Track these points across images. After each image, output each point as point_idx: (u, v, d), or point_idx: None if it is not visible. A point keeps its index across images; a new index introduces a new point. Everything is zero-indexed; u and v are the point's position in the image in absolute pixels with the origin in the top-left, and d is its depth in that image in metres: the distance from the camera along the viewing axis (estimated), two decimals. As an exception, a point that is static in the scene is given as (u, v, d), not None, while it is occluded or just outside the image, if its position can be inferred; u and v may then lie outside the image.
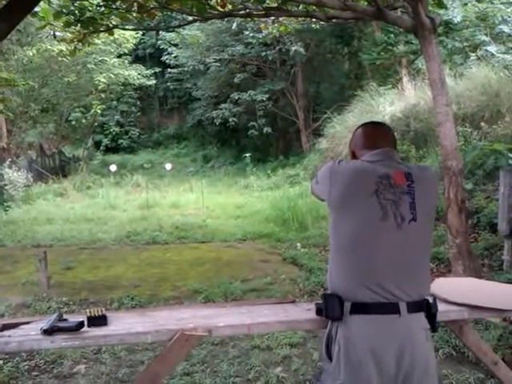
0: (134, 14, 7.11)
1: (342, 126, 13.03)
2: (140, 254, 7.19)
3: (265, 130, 17.67)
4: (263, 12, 7.33)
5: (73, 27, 7.07)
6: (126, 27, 7.77)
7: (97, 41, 9.12)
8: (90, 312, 1.96)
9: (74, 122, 17.19)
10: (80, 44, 7.53)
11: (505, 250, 4.60)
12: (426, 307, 1.73)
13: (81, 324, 1.86)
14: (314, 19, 9.56)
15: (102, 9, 6.96)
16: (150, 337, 1.83)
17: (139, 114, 22.98)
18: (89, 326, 1.89)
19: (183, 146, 22.61)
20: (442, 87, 5.47)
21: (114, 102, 20.23)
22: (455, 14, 12.39)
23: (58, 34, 7.62)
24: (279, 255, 6.78)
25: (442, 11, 8.89)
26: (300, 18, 8.77)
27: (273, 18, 8.55)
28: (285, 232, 8.05)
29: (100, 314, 1.95)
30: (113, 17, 7.39)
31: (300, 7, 7.46)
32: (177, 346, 1.79)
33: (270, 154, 18.76)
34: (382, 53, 14.60)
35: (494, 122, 8.90)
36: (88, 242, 7.83)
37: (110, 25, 7.28)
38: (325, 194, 1.79)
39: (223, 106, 18.32)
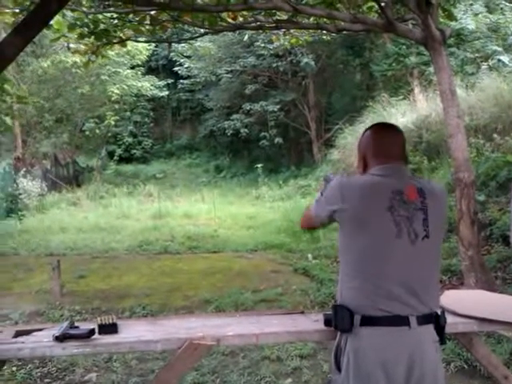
0: (147, 27, 7.24)
1: (354, 137, 13.03)
2: (152, 263, 7.24)
3: (276, 140, 17.73)
4: (274, 24, 7.41)
5: (86, 39, 7.20)
6: (139, 39, 7.90)
7: (110, 52, 9.25)
8: (101, 320, 1.99)
9: (87, 133, 17.38)
10: (93, 56, 7.67)
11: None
12: (435, 319, 1.73)
13: (92, 331, 1.89)
14: (324, 31, 9.64)
15: (116, 21, 7.09)
16: (160, 345, 1.86)
17: (152, 124, 23.18)
18: (100, 333, 1.92)
19: (195, 156, 22.74)
20: (453, 99, 5.48)
21: (128, 113, 20.42)
22: (468, 22, 12.37)
23: (71, 45, 7.75)
24: (290, 266, 6.78)
25: (453, 22, 8.91)
26: (311, 30, 8.85)
27: (284, 30, 8.64)
28: (296, 243, 8.05)
29: (111, 321, 1.98)
30: (126, 29, 7.52)
31: (310, 19, 7.53)
32: (185, 355, 1.81)
33: (282, 164, 18.79)
34: (394, 64, 14.64)
35: (507, 134, 8.86)
36: (101, 251, 7.90)
37: (123, 37, 7.41)
38: (334, 210, 1.75)
39: (235, 116, 18.43)
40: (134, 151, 21.74)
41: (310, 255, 7.38)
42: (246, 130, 18.19)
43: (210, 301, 5.27)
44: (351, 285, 1.72)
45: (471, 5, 13.43)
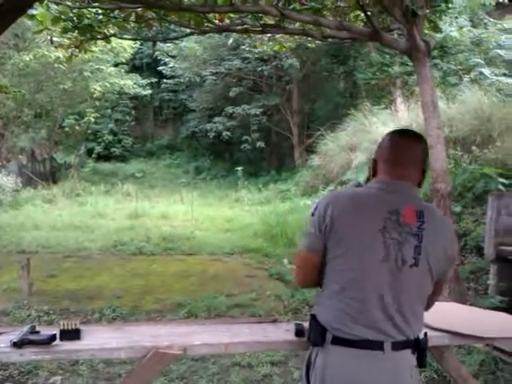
0: (132, 24, 7.14)
1: (335, 144, 13.10)
2: (125, 264, 7.11)
3: (258, 144, 17.70)
4: (260, 28, 7.38)
5: (70, 33, 7.08)
6: (124, 36, 7.79)
7: (94, 49, 9.10)
8: (64, 325, 1.91)
9: (67, 129, 17.09)
10: (77, 50, 7.54)
11: (490, 274, 4.59)
12: (415, 343, 1.66)
13: (52, 337, 1.81)
14: (310, 38, 9.64)
15: (100, 17, 6.98)
16: (123, 353, 1.79)
17: (133, 123, 22.90)
18: (61, 339, 1.84)
19: (176, 156, 22.55)
20: (434, 110, 5.51)
21: (109, 111, 20.16)
22: (453, 34, 12.51)
23: (55, 39, 7.61)
24: (266, 271, 6.74)
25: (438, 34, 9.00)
26: (296, 37, 8.84)
27: (269, 35, 8.62)
28: (273, 247, 8.01)
29: (74, 327, 1.90)
30: (110, 25, 7.42)
31: (296, 25, 7.52)
32: (150, 364, 1.75)
33: (263, 168, 18.77)
34: (378, 73, 14.76)
35: (485, 147, 8.96)
36: (73, 250, 7.73)
37: (108, 33, 7.30)
38: (321, 225, 1.59)
39: (217, 119, 18.35)
40: (114, 149, 21.45)
41: (285, 260, 7.34)
42: (228, 132, 18.12)
43: (183, 304, 5.19)
44: (327, 303, 1.65)
45: (456, 18, 13.62)
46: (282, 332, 1.97)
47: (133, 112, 22.41)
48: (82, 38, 7.31)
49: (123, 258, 7.49)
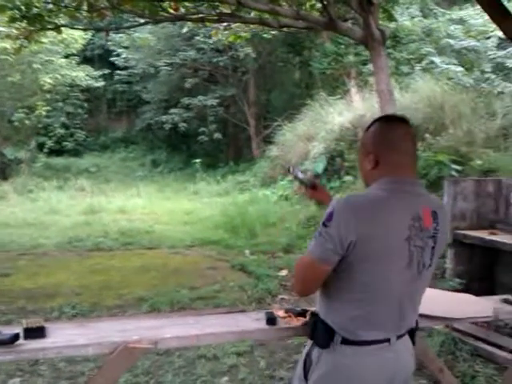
0: (84, 14, 6.92)
1: (292, 134, 13.17)
2: (83, 260, 6.93)
3: (215, 135, 17.59)
4: (216, 17, 7.30)
5: (18, 23, 6.81)
6: (75, 27, 7.54)
7: (44, 40, 8.77)
8: (27, 323, 1.83)
9: (16, 123, 16.45)
10: (26, 41, 7.26)
11: (448, 258, 4.72)
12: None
13: (16, 336, 1.73)
14: (266, 27, 9.62)
15: (50, 6, 6.73)
16: (91, 349, 1.72)
17: (86, 116, 22.28)
18: (25, 338, 1.76)
19: (131, 149, 22.12)
20: (390, 98, 5.63)
21: (60, 104, 19.52)
22: (405, 24, 12.75)
23: (2, 29, 7.28)
24: (227, 262, 6.71)
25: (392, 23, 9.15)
26: (252, 27, 8.80)
27: (224, 24, 8.54)
28: (234, 239, 7.99)
29: (38, 325, 1.82)
30: (61, 15, 7.16)
31: (252, 14, 7.48)
32: (120, 359, 1.69)
33: (220, 160, 18.66)
34: (332, 63, 14.91)
35: (438, 134, 9.21)
36: (28, 247, 7.48)
37: (58, 23, 7.06)
38: (352, 242, 1.47)
39: (173, 110, 18.08)
40: (66, 143, 20.81)
41: (247, 251, 7.36)
42: (184, 124, 17.91)
43: (145, 299, 5.11)
44: (340, 307, 1.58)
45: (407, 8, 13.90)
46: (252, 321, 1.95)
47: (85, 105, 21.80)
48: (32, 28, 7.04)
49: (80, 254, 7.30)
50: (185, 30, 11.22)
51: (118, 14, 7.21)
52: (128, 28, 10.55)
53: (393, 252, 1.52)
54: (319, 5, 6.74)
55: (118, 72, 19.92)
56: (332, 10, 6.19)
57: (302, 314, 1.93)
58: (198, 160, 15.45)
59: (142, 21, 7.27)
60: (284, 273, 6.18)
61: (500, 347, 3.56)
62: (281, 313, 1.99)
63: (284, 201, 11.06)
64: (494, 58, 13.88)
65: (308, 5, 7.31)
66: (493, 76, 13.03)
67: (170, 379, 3.47)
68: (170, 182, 16.36)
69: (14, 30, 7.27)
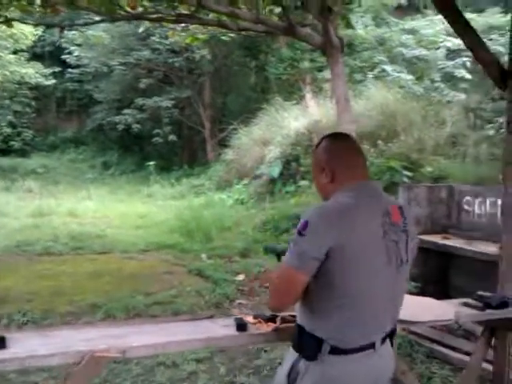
0: (37, 8, 6.68)
1: (248, 138, 13.18)
2: (32, 265, 6.64)
3: (170, 137, 17.37)
4: (174, 18, 7.21)
5: (-36, 15, 6.49)
6: (27, 21, 7.26)
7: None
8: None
9: (-40, 121, 15.75)
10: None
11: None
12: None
13: (-28, 348, 1.63)
14: (223, 30, 9.57)
15: (-1, -2, 6.45)
16: (57, 359, 1.65)
17: (34, 115, 21.51)
18: (-17, 349, 1.66)
19: (81, 150, 21.52)
20: (347, 105, 5.71)
21: (7, 101, 18.81)
22: (359, 32, 13.02)
23: None
24: (184, 267, 6.60)
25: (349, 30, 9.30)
26: (210, 29, 8.75)
27: (182, 25, 8.45)
28: (189, 243, 7.89)
29: (-5, 335, 1.72)
30: (12, 8, 6.88)
31: (210, 15, 7.43)
32: (87, 369, 1.62)
33: (174, 162, 18.44)
34: (288, 68, 15.05)
35: (390, 141, 9.46)
36: (-27, 251, 7.12)
37: (9, 16, 6.77)
38: (330, 247, 1.49)
39: (127, 111, 17.73)
40: (13, 143, 20.03)
41: (204, 255, 7.28)
42: (138, 125, 17.58)
43: (98, 305, 4.94)
44: (325, 316, 1.57)
45: (362, 17, 14.22)
46: (221, 327, 1.92)
47: (33, 103, 21.04)
48: (-20, 21, 6.74)
49: (29, 258, 7.00)
50: (141, 29, 11.04)
51: (73, 10, 6.99)
52: (83, 25, 10.28)
53: (371, 252, 1.55)
54: (278, 9, 6.80)
55: (70, 70, 19.38)
56: (291, 15, 6.24)
57: (272, 319, 1.91)
58: (151, 162, 15.21)
59: (98, 18, 7.08)
60: (241, 277, 6.16)
61: (454, 349, 3.67)
62: (250, 319, 1.97)
63: (240, 205, 11.05)
64: (443, 68, 14.40)
65: (267, 9, 7.35)
66: (442, 85, 13.52)
67: (129, 387, 3.37)
68: (123, 184, 16.03)
69: (-40, 23, 6.94)
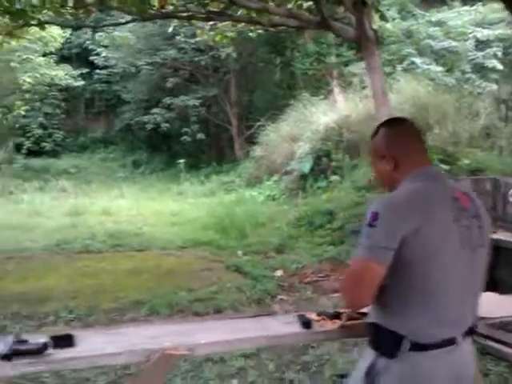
0: (69, 10, 6.78)
1: (276, 135, 13.15)
2: (72, 263, 6.77)
3: (198, 136, 17.44)
4: (205, 15, 7.23)
5: (0, 18, 6.62)
6: (61, 23, 7.38)
7: (27, 36, 8.57)
8: (53, 332, 1.75)
9: (-8, 124, 16.09)
10: (8, 37, 7.07)
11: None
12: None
13: (45, 346, 1.65)
14: (252, 27, 9.55)
15: (34, 1, 6.57)
16: (125, 357, 1.66)
17: (64, 116, 21.89)
18: (54, 347, 1.68)
19: (111, 150, 21.80)
20: (384, 98, 5.64)
21: (38, 104, 19.12)
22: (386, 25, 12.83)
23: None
24: (221, 263, 6.64)
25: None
26: (239, 26, 8.74)
27: (210, 23, 8.45)
28: (225, 239, 7.92)
29: (65, 333, 1.75)
30: (45, 11, 7.00)
31: (239, 12, 7.41)
32: (156, 367, 1.63)
33: (202, 160, 18.53)
34: (315, 63, 14.95)
35: (424, 134, 9.29)
36: (14, 250, 7.26)
37: (42, 19, 6.89)
38: (405, 236, 1.46)
39: (155, 110, 17.86)
40: (44, 144, 20.38)
41: (239, 252, 7.30)
42: (166, 124, 17.70)
43: (142, 302, 5.01)
44: (402, 309, 1.54)
45: (388, 10, 14.01)
46: (284, 325, 1.90)
47: (63, 104, 21.41)
48: (14, 24, 6.86)
49: (69, 256, 7.13)
50: (170, 29, 11.08)
51: (105, 10, 7.08)
52: (114, 25, 10.38)
53: (445, 238, 1.52)
54: (306, 4, 6.74)
55: (98, 71, 19.62)
56: (324, 9, 6.18)
57: (337, 316, 1.89)
58: (182, 160, 15.32)
59: (130, 18, 7.14)
60: (279, 273, 6.16)
61: (506, 344, 3.59)
62: (313, 315, 1.95)
63: (271, 201, 11.04)
64: (473, 59, 14.13)
65: (296, 4, 7.29)
66: (473, 76, 13.26)
67: (179, 383, 3.40)
68: (153, 182, 16.17)
69: (-4, 26, 7.08)
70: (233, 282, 5.69)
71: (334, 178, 10.51)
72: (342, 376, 3.38)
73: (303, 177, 11.10)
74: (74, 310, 4.74)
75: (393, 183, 1.65)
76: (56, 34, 14.12)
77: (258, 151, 13.45)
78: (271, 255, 7.07)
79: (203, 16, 7.34)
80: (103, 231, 8.49)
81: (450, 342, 1.56)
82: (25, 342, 1.69)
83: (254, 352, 3.83)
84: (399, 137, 1.68)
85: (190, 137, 17.56)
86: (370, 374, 1.58)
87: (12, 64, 13.87)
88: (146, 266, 6.50)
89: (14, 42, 7.99)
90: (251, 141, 15.10)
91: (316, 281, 5.95)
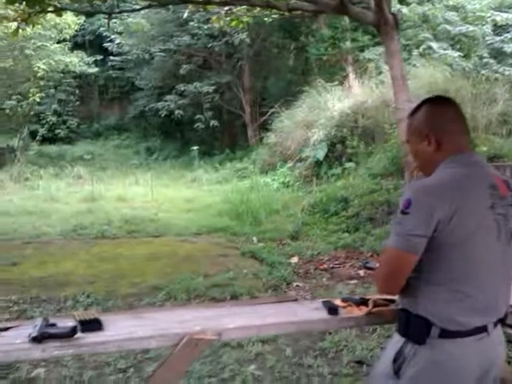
0: (86, -4, 6.75)
1: (290, 121, 13.06)
2: (89, 248, 6.84)
3: (212, 123, 17.40)
4: (222, 0, 7.16)
5: (17, 5, 6.60)
6: (76, 9, 7.36)
7: (41, 22, 8.56)
8: (79, 315, 1.77)
9: (8, 111, 16.15)
10: (24, 24, 7.06)
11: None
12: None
13: (74, 329, 1.66)
14: (268, 12, 9.44)
15: (50, -13, 6.54)
16: (154, 342, 1.66)
17: (78, 103, 21.98)
18: (82, 331, 1.69)
19: (125, 137, 21.92)
20: (404, 83, 5.56)
21: (52, 91, 19.20)
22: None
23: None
24: (237, 249, 6.66)
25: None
26: (255, 11, 8.64)
27: (226, 9, 8.37)
28: (240, 226, 7.94)
29: (92, 317, 1.76)
30: (61, -3, 6.97)
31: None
32: (185, 352, 1.64)
33: (215, 147, 18.54)
34: (329, 48, 14.78)
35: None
36: (32, 236, 7.36)
37: (58, 5, 6.87)
38: (438, 221, 1.44)
39: (169, 97, 17.84)
40: (59, 131, 20.53)
41: (254, 238, 7.31)
42: (180, 111, 17.68)
43: (160, 287, 5.04)
44: (433, 295, 1.52)
45: (404, -6, 13.76)
46: (311, 310, 1.90)
47: (77, 91, 21.48)
48: (31, 10, 6.84)
49: (86, 242, 7.20)
50: (185, 14, 11.00)
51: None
52: (132, 11, 10.32)
53: (480, 226, 1.49)
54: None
55: (112, 58, 19.60)
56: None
57: (363, 302, 1.88)
58: (195, 147, 15.31)
59: (147, 3, 7.11)
60: (295, 260, 6.16)
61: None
62: (338, 302, 1.94)
63: (285, 188, 11.01)
64: (491, 44, 13.89)
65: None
66: (491, 61, 13.04)
67: (198, 368, 3.41)
68: (167, 169, 16.22)
69: (11, 12, 7.07)
70: (249, 268, 5.71)
71: (348, 164, 10.45)
72: (361, 362, 3.39)
73: (317, 164, 11.05)
74: (92, 295, 4.78)
75: (432, 165, 1.60)
76: (70, 21, 14.13)
77: (271, 138, 13.39)
78: (286, 242, 7.07)
79: (220, 0, 7.27)
80: (119, 217, 8.56)
81: (481, 330, 1.54)
82: (53, 325, 1.71)
83: (271, 337, 3.84)
84: (444, 116, 1.61)
85: (203, 124, 17.52)
86: (398, 360, 1.57)
87: (27, 51, 13.90)
88: (163, 252, 6.54)
89: (28, 30, 7.97)
90: (265, 127, 15.04)
91: (332, 268, 5.95)
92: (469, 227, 1.48)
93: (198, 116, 17.62)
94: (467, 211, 1.47)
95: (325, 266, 5.97)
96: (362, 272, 5.67)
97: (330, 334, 3.89)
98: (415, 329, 1.54)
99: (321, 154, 10.99)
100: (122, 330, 1.72)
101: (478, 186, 1.53)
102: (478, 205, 1.50)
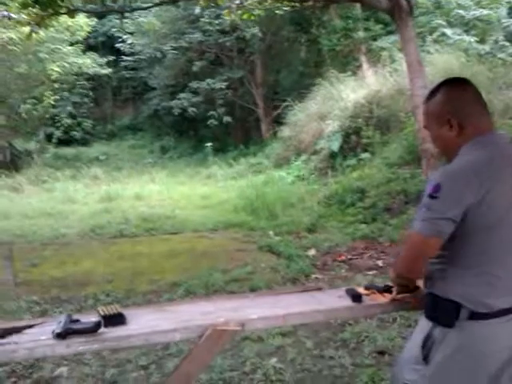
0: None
1: (304, 114, 12.98)
2: (108, 247, 6.88)
3: (225, 119, 17.37)
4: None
5: (30, 8, 6.64)
6: (90, 10, 7.38)
7: (54, 24, 8.61)
8: (103, 310, 1.76)
9: (24, 115, 16.30)
10: (37, 27, 7.10)
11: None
12: None
13: (98, 324, 1.65)
14: (278, 3, 9.38)
15: (62, -11, 6.56)
16: (179, 334, 1.65)
17: (92, 104, 22.15)
18: (106, 326, 1.68)
19: (139, 137, 22.04)
20: (420, 69, 5.48)
21: (66, 93, 19.35)
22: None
23: (12, 15, 7.13)
24: (254, 244, 6.64)
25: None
26: (266, 4, 8.59)
27: (237, 2, 8.34)
28: (256, 221, 7.92)
29: (116, 311, 1.75)
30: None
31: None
32: (209, 343, 1.62)
33: (229, 143, 18.50)
34: (342, 39, 14.65)
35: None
36: (51, 237, 7.42)
37: (71, 7, 6.90)
38: (468, 207, 1.42)
39: (182, 95, 17.84)
40: (74, 133, 20.72)
41: (271, 232, 7.29)
42: (193, 109, 17.66)
43: (178, 283, 5.05)
44: (463, 279, 1.50)
45: (416, -20, 13.57)
46: (337, 299, 1.87)
47: (91, 93, 21.63)
48: (44, 13, 6.88)
49: (104, 241, 7.24)
50: (197, 10, 10.97)
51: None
52: (144, 9, 10.31)
53: (509, 207, 1.46)
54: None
55: (125, 58, 19.64)
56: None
57: (387, 290, 1.84)
58: (209, 144, 15.30)
59: (157, 1, 7.10)
60: (312, 252, 6.12)
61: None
62: (361, 290, 1.91)
63: (300, 181, 10.95)
64: (507, 26, 13.63)
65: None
66: (507, 44, 12.80)
67: (219, 362, 3.40)
68: (182, 167, 16.25)
69: (25, 16, 7.11)
70: (266, 262, 5.69)
71: (364, 155, 10.35)
72: (382, 352, 3.35)
73: (332, 155, 10.96)
74: (112, 293, 4.81)
75: (454, 150, 1.56)
76: (82, 23, 14.20)
77: (285, 131, 13.32)
78: (303, 235, 7.03)
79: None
80: (136, 215, 8.59)
81: (509, 311, 1.51)
82: (77, 321, 1.70)
83: (291, 330, 3.82)
84: (463, 98, 1.58)
85: (216, 120, 17.50)
86: (427, 345, 1.54)
87: (41, 55, 14.00)
88: (181, 248, 6.55)
89: (41, 33, 8.01)
90: (278, 121, 14.97)
91: (350, 259, 5.90)
92: (498, 211, 1.45)
93: (211, 113, 17.59)
94: (497, 194, 1.44)
95: (343, 257, 5.92)
96: (380, 262, 5.62)
97: (349, 324, 3.86)
98: (444, 312, 1.51)
99: (335, 146, 10.90)
100: (146, 323, 1.71)
101: (505, 167, 1.49)
102: (506, 186, 1.47)
